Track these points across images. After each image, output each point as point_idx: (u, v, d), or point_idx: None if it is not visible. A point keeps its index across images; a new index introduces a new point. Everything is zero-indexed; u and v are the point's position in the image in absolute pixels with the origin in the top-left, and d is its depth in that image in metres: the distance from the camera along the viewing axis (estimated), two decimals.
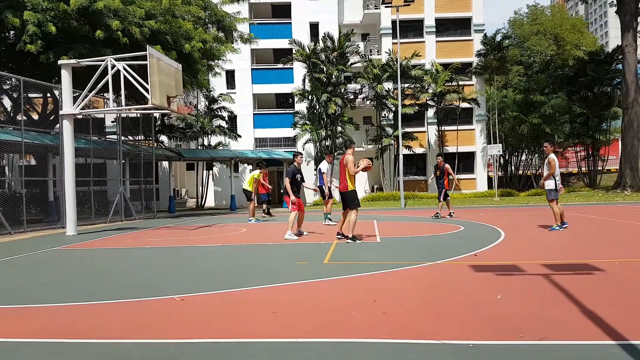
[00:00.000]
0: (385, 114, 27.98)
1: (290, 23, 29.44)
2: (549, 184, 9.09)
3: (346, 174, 7.90)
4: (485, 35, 29.31)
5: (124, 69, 10.62)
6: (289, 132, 28.02)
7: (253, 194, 13.32)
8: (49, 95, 17.12)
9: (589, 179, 30.70)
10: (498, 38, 28.83)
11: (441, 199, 12.85)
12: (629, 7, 23.73)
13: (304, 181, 9.52)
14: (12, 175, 16.70)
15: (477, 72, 28.76)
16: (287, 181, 9.04)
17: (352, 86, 27.95)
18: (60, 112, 11.74)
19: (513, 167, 36.74)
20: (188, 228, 12.22)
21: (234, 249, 7.94)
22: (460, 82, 27.78)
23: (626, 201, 18.87)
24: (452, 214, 12.96)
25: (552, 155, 9.16)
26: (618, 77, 27.28)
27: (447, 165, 12.81)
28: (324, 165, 12.34)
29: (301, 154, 9.99)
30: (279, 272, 5.66)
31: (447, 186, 12.82)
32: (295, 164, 9.43)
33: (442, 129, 28.56)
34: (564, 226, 9.15)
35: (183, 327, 3.53)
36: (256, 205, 13.67)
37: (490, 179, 30.16)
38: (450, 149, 28.90)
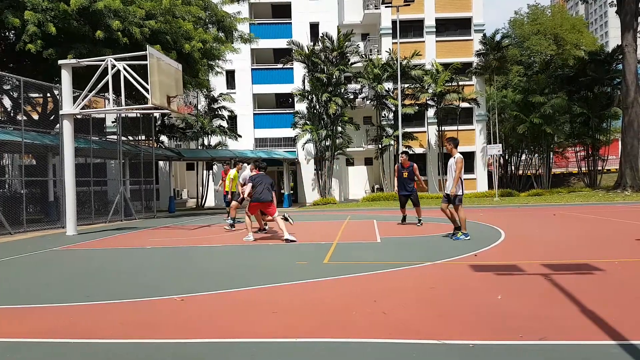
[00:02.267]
0: (385, 114, 27.99)
1: (290, 23, 29.46)
2: (459, 189, 8.04)
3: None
4: (484, 35, 29.31)
5: (124, 69, 10.62)
6: (289, 132, 28.03)
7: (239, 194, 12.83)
8: (49, 95, 17.12)
9: (589, 179, 30.71)
10: (497, 38, 28.84)
11: (412, 206, 10.61)
12: (629, 7, 23.73)
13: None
14: (12, 175, 16.70)
15: (477, 72, 28.77)
16: (249, 187, 8.78)
17: (352, 86, 27.97)
18: (60, 112, 11.74)
19: (513, 167, 36.75)
20: (188, 228, 12.21)
21: (234, 249, 7.94)
22: (460, 82, 27.80)
23: (626, 201, 18.87)
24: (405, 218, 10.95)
25: (460, 155, 8.04)
26: (618, 77, 27.29)
27: (415, 165, 10.51)
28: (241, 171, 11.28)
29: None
30: (279, 272, 5.66)
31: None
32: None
33: (442, 129, 28.57)
34: (468, 237, 7.98)
35: (183, 327, 3.53)
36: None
37: (490, 174, 30.08)
38: None
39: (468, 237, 7.96)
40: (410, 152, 27.48)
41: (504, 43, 29.03)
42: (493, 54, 27.91)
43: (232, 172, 12.16)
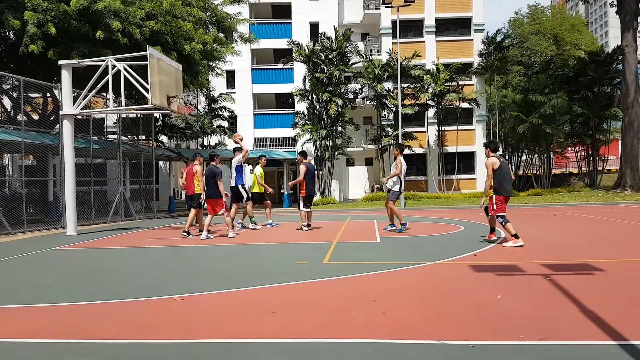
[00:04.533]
0: (385, 114, 27.99)
1: (290, 23, 29.47)
2: (396, 186, 9.36)
3: (195, 180, 10.00)
4: (487, 34, 29.36)
5: (124, 69, 10.62)
6: (289, 132, 28.03)
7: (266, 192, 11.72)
8: (49, 95, 17.12)
9: (589, 179, 30.71)
10: (499, 38, 28.85)
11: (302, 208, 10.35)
12: (629, 7, 23.74)
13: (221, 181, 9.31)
14: (12, 175, 16.70)
15: (478, 72, 28.78)
16: (202, 183, 9.13)
17: (353, 86, 27.97)
18: (60, 112, 11.74)
19: (513, 167, 36.73)
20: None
21: (234, 249, 7.94)
22: (460, 82, 27.80)
23: (626, 201, 18.87)
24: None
25: (401, 158, 9.38)
26: (618, 77, 27.29)
27: (301, 166, 10.35)
28: (238, 160, 10.59)
29: (218, 155, 9.88)
30: (279, 272, 5.66)
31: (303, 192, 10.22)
32: (213, 164, 9.42)
33: (442, 129, 28.58)
34: (405, 228, 9.41)
35: (183, 327, 3.53)
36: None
37: None
38: (450, 149, 28.91)
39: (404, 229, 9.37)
40: (410, 152, 27.65)
41: (506, 43, 29.03)
42: (494, 54, 27.91)
43: (258, 170, 11.36)
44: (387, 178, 9.65)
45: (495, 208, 7.42)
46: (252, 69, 29.49)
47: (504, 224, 7.34)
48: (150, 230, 11.98)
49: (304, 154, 10.55)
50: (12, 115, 16.91)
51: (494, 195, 7.45)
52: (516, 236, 7.18)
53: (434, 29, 29.54)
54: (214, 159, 9.57)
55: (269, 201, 11.62)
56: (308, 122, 25.98)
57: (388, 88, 26.85)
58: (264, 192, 11.34)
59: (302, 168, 10.19)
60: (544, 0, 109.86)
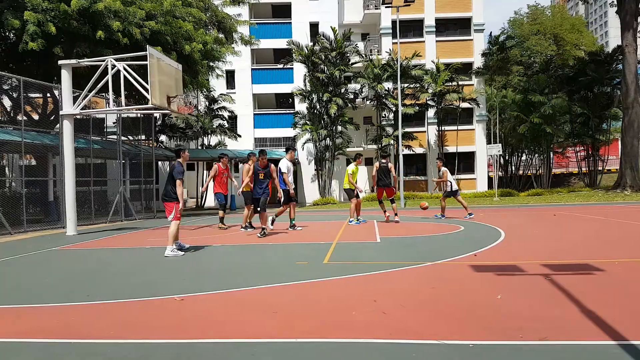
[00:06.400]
0: (385, 114, 27.98)
1: (290, 23, 29.48)
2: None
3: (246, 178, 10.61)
4: (491, 34, 29.44)
5: (124, 69, 10.62)
6: (289, 132, 28.03)
7: (355, 190, 11.46)
8: (49, 95, 17.11)
9: (589, 179, 30.70)
10: (502, 38, 28.86)
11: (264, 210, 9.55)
12: (629, 7, 23.73)
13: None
14: (12, 175, 16.69)
15: (480, 72, 28.78)
16: (179, 183, 7.23)
17: (353, 86, 27.98)
18: (60, 112, 11.74)
19: (513, 167, 36.73)
20: (188, 228, 12.20)
21: (234, 249, 7.94)
22: (460, 82, 27.80)
23: (626, 201, 18.86)
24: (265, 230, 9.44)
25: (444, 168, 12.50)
26: (618, 77, 27.29)
27: (272, 166, 9.69)
28: (285, 164, 10.04)
29: (185, 149, 7.85)
30: (279, 272, 5.66)
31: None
32: (181, 160, 7.63)
33: (442, 129, 28.57)
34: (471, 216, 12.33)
35: (183, 327, 3.53)
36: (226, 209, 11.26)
37: (490, 179, 30.18)
38: (450, 149, 28.90)
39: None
40: (410, 152, 27.65)
41: (509, 44, 29.04)
42: (497, 54, 27.92)
43: (352, 167, 11.38)
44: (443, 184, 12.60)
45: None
46: (252, 69, 29.50)
47: (380, 202, 11.66)
48: (150, 230, 11.99)
49: (263, 152, 9.74)
50: (12, 115, 16.89)
51: (376, 187, 11.44)
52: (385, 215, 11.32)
53: (434, 29, 29.53)
54: (181, 155, 7.69)
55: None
56: (308, 122, 25.98)
57: (388, 88, 26.84)
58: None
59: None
60: (544, 0, 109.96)
